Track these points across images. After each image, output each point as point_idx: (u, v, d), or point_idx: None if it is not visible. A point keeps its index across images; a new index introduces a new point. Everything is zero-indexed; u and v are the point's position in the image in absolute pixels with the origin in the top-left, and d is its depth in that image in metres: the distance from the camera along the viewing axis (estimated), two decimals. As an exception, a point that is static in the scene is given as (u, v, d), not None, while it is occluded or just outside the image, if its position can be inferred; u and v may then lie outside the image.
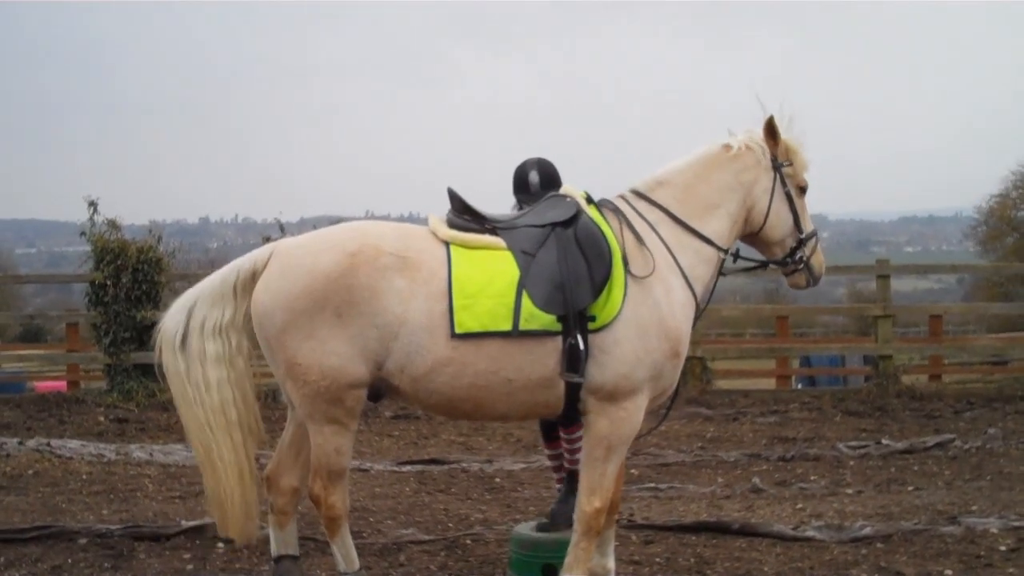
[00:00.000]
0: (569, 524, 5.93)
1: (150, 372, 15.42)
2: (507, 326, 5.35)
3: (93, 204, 15.84)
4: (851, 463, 10.62)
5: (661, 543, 7.60)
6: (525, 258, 5.49)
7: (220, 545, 7.54)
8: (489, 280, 5.41)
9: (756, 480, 9.69)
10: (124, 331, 15.21)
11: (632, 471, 10.16)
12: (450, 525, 8.24)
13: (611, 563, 6.09)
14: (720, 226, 5.94)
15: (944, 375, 17.20)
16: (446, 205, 5.87)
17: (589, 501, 5.59)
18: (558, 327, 5.38)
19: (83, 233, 15.94)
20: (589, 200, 5.83)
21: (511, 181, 6.68)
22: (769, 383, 17.22)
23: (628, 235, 5.70)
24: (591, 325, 5.42)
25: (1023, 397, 14.24)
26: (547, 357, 5.40)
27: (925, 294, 53.01)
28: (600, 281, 5.43)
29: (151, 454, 11.18)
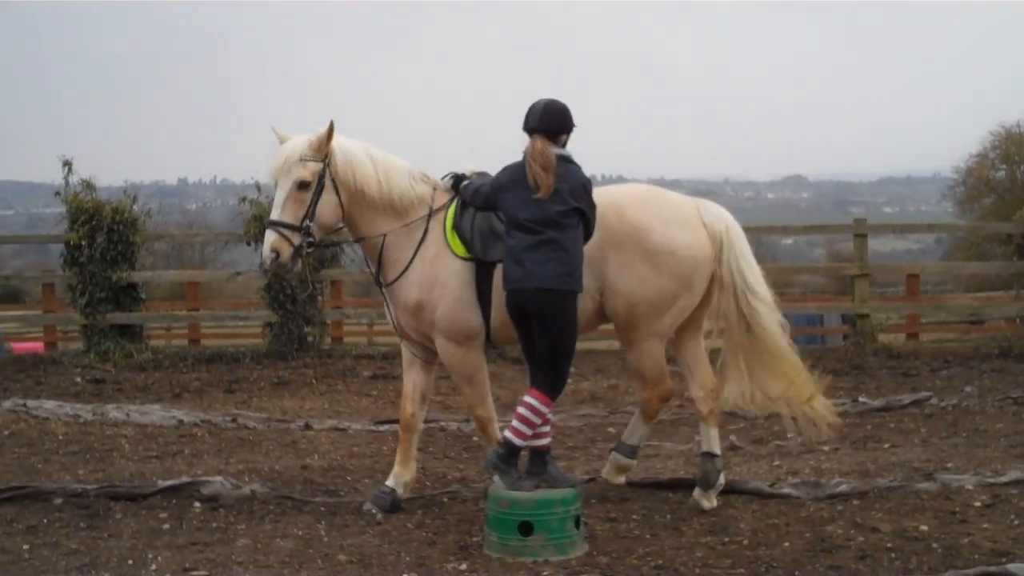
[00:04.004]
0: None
1: (127, 332, 15.38)
2: None
3: (68, 164, 15.69)
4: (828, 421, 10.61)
5: (638, 500, 7.63)
6: None
7: (197, 505, 7.54)
8: None
9: (733, 438, 9.72)
10: (100, 291, 15.14)
11: (610, 430, 10.19)
12: (427, 483, 8.23)
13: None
14: None
15: (921, 334, 17.28)
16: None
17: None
18: None
19: (57, 193, 15.81)
20: None
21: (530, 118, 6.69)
22: (747, 342, 17.16)
23: None
24: None
25: (999, 355, 14.32)
26: None
27: (904, 254, 53.20)
28: None
29: (128, 414, 11.13)
